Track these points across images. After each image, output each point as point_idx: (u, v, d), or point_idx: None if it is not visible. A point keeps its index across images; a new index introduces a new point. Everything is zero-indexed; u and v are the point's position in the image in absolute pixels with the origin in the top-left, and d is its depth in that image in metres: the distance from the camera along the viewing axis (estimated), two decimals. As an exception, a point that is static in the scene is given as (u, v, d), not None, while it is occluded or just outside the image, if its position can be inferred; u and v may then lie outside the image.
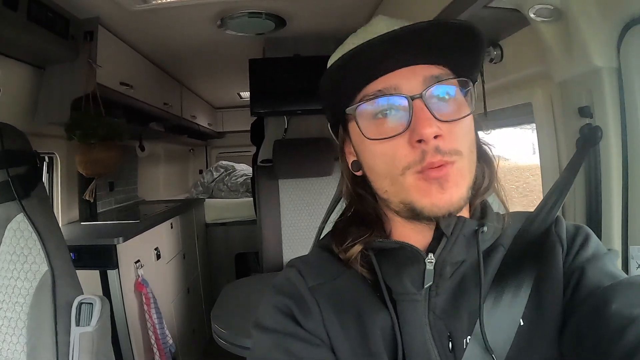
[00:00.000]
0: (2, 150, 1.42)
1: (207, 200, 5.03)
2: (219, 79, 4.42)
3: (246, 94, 4.58)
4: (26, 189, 1.45)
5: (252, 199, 3.97)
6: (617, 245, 1.29)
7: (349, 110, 0.79)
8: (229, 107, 6.23)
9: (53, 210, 1.68)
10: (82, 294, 1.50)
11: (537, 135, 1.67)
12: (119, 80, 2.84)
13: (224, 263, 4.80)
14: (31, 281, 1.40)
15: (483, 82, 1.79)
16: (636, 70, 1.23)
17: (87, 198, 2.75)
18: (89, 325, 1.41)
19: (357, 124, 0.77)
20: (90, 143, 2.39)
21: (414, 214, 0.75)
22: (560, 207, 1.38)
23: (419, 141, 0.70)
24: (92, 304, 1.43)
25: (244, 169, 5.72)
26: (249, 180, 5.12)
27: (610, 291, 0.69)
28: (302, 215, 3.02)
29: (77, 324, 1.41)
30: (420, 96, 0.71)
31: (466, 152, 0.74)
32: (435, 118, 0.70)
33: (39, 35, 2.01)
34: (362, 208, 0.88)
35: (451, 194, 0.71)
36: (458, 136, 0.73)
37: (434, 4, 1.54)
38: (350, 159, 0.87)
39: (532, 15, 1.37)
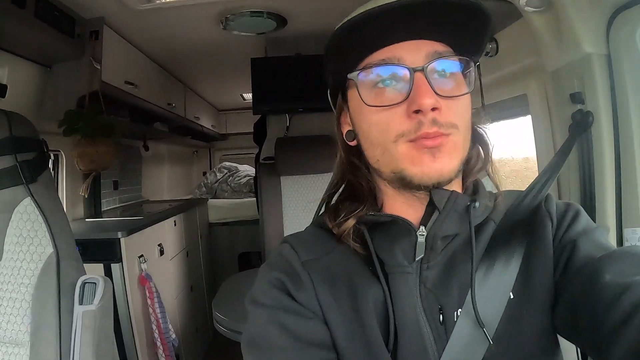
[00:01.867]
0: (11, 136, 1.45)
1: (210, 200, 5.05)
2: (222, 80, 4.44)
3: (249, 96, 4.61)
4: (33, 174, 1.48)
5: (255, 199, 3.98)
6: (612, 227, 1.31)
7: (351, 75, 0.79)
8: (232, 109, 6.23)
9: (58, 195, 1.70)
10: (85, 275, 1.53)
11: (533, 125, 1.70)
12: (124, 79, 2.86)
13: (228, 262, 4.81)
14: (36, 262, 1.42)
15: (479, 75, 1.82)
16: (625, 55, 1.26)
17: (82, 193, 2.76)
18: (91, 303, 1.43)
19: (357, 90, 0.78)
20: (79, 138, 2.41)
21: (404, 183, 0.76)
22: (556, 192, 1.42)
23: (417, 112, 0.71)
24: (95, 283, 1.45)
25: (247, 169, 5.74)
26: (252, 181, 5.14)
27: (603, 262, 0.70)
28: (304, 211, 3.02)
29: (80, 303, 1.43)
30: (422, 69, 0.72)
31: (462, 128, 0.75)
32: (435, 92, 0.71)
33: (45, 33, 2.05)
34: (355, 180, 0.89)
35: (442, 164, 0.72)
36: (456, 112, 0.74)
37: None
38: (346, 128, 0.88)
39: (524, 6, 1.40)
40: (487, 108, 1.87)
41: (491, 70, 1.85)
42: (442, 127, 0.71)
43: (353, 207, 0.85)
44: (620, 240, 1.32)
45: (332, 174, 0.95)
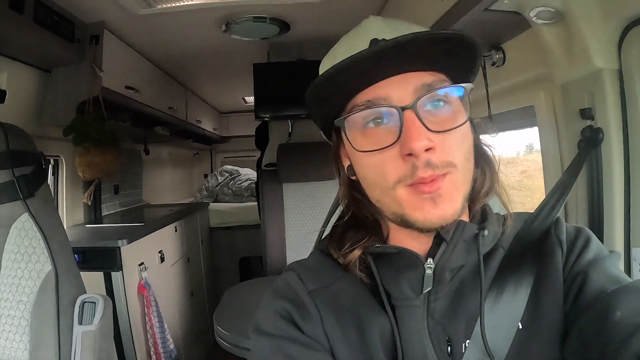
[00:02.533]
0: (8, 150, 1.43)
1: (211, 204, 5.04)
2: (223, 84, 4.45)
3: (251, 99, 4.61)
4: (31, 189, 1.46)
5: (256, 203, 3.96)
6: (620, 247, 1.28)
7: (337, 122, 0.76)
8: (233, 111, 6.25)
9: (57, 211, 1.69)
10: (85, 293, 1.51)
11: (540, 138, 1.67)
12: (125, 84, 2.86)
13: (228, 267, 4.81)
14: (35, 280, 1.41)
15: (487, 85, 1.79)
16: (637, 71, 1.23)
17: (84, 201, 2.76)
18: (91, 324, 1.42)
19: (346, 134, 0.76)
20: (86, 146, 2.40)
21: (407, 225, 0.74)
22: (562, 208, 1.40)
23: (410, 154, 0.68)
24: (95, 302, 1.44)
25: (249, 173, 5.75)
26: (254, 185, 5.14)
27: (614, 297, 0.68)
28: (306, 218, 3.02)
29: (80, 323, 1.42)
30: (411, 106, 0.69)
31: (461, 163, 0.72)
32: (428, 129, 0.68)
33: (44, 38, 2.03)
34: (359, 212, 0.86)
35: (444, 209, 0.70)
36: (452, 146, 0.71)
37: (436, 8, 1.55)
38: (346, 162, 0.85)
39: (533, 18, 1.37)
40: (494, 118, 1.84)
41: (498, 80, 1.82)
42: (437, 169, 0.69)
43: (358, 237, 0.83)
44: (628, 260, 1.29)
45: (332, 181, 0.93)
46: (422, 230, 0.72)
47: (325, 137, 0.90)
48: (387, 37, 0.71)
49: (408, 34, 0.64)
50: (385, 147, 0.70)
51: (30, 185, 1.46)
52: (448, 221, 0.71)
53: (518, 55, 1.74)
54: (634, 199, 1.27)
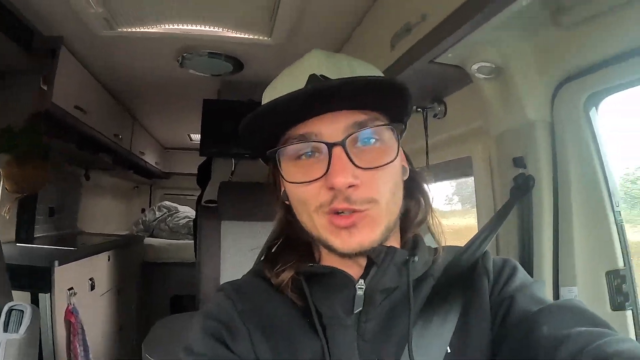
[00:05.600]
0: None
1: (147, 238, 4.94)
2: (171, 117, 4.43)
3: (196, 136, 4.60)
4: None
5: (192, 242, 3.91)
6: (549, 286, 1.36)
7: (269, 153, 0.79)
8: (178, 147, 6.19)
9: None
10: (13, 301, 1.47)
11: (475, 186, 1.75)
12: (74, 103, 2.82)
13: (160, 304, 4.67)
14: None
15: (427, 136, 1.88)
16: (567, 123, 1.34)
17: (3, 214, 2.66)
18: (17, 332, 1.38)
19: (279, 166, 0.79)
20: (10, 158, 2.35)
21: (330, 250, 0.77)
22: (495, 251, 1.47)
23: (332, 188, 0.71)
24: (22, 311, 1.40)
25: (187, 211, 5.66)
26: (192, 223, 5.03)
27: (540, 315, 0.72)
28: (244, 258, 2.95)
29: (5, 330, 1.38)
30: (340, 143, 0.72)
31: (385, 198, 0.75)
32: (356, 165, 0.72)
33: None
34: (293, 234, 0.88)
35: (361, 238, 0.73)
36: (378, 183, 0.74)
37: (386, 56, 1.61)
38: (282, 187, 0.86)
39: (474, 72, 1.47)
40: (432, 168, 1.93)
41: (438, 132, 1.91)
42: (355, 204, 0.72)
43: (291, 257, 0.85)
44: (557, 299, 1.35)
45: (273, 222, 0.94)
46: (342, 255, 0.75)
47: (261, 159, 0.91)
48: (326, 73, 0.76)
49: (339, 80, 0.69)
50: (312, 181, 0.74)
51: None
52: (366, 248, 0.74)
53: (458, 108, 1.84)
54: (562, 242, 1.35)
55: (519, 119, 1.43)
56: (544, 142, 1.38)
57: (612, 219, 1.27)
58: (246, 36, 2.34)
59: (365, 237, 0.73)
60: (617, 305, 1.25)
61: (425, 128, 1.90)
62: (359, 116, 0.75)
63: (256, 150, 0.84)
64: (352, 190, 0.71)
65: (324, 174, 0.72)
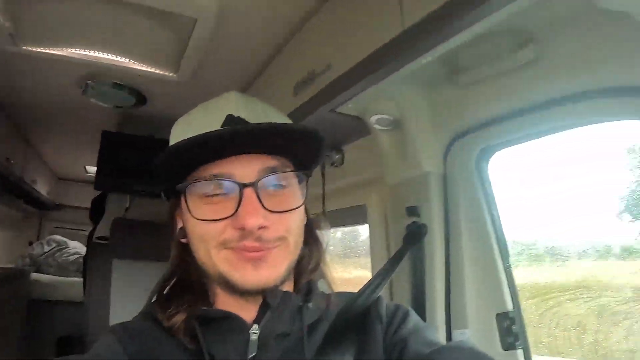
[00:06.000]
0: None
1: (33, 274, 4.64)
2: (68, 146, 4.20)
3: (93, 169, 4.42)
4: None
5: (82, 279, 3.71)
6: (442, 329, 1.41)
7: (179, 187, 0.79)
8: (73, 179, 5.85)
9: None
10: None
11: (369, 234, 1.81)
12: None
13: (46, 345, 4.35)
14: None
15: (323, 183, 1.93)
16: (460, 175, 1.43)
17: None
18: None
19: (186, 201, 0.79)
20: None
21: (229, 287, 0.77)
22: (388, 297, 1.51)
23: (242, 228, 0.73)
24: None
25: (78, 247, 5.35)
26: (82, 260, 4.79)
27: (432, 357, 0.75)
28: (135, 299, 2.68)
29: None
30: (252, 185, 0.74)
31: (292, 237, 0.78)
32: (265, 208, 0.74)
33: None
34: (187, 275, 0.87)
35: (267, 274, 0.75)
36: (286, 224, 0.77)
37: (289, 102, 1.62)
38: (179, 224, 0.87)
39: (373, 124, 1.55)
40: (328, 214, 1.96)
41: (335, 180, 1.96)
42: (266, 243, 0.74)
43: (184, 299, 0.82)
44: (449, 341, 1.41)
45: (167, 264, 0.92)
46: (242, 292, 0.76)
47: (164, 195, 0.91)
48: (243, 115, 0.78)
49: (267, 124, 0.73)
50: (220, 219, 0.75)
51: None
52: (268, 285, 0.75)
53: (356, 158, 1.91)
54: (453, 287, 1.42)
55: (414, 170, 1.50)
56: (437, 193, 1.46)
57: (500, 265, 1.36)
58: (152, 70, 2.28)
59: (272, 272, 0.75)
60: (508, 346, 1.32)
61: (323, 175, 1.95)
62: (271, 161, 0.78)
63: (164, 183, 0.85)
64: (262, 230, 0.73)
65: (233, 214, 0.73)
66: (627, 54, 0.98)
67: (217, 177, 0.76)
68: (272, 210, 0.75)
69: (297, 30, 1.64)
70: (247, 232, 0.73)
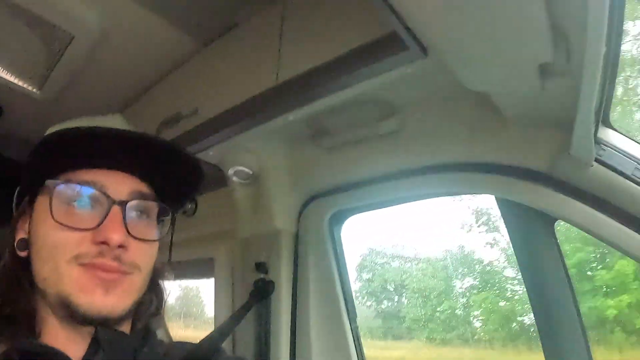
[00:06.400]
0: None
1: None
2: None
3: None
4: None
5: None
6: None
7: (49, 182, 0.73)
8: None
9: None
10: None
11: (215, 288, 1.76)
12: None
13: None
14: None
15: (172, 232, 1.86)
16: (312, 236, 1.46)
17: None
18: None
19: (50, 201, 0.71)
20: None
21: (69, 312, 0.69)
22: (230, 347, 1.48)
23: (103, 243, 0.69)
24: None
25: None
26: None
27: None
28: None
29: None
30: (122, 204, 0.72)
31: (145, 270, 0.75)
32: (127, 231, 0.71)
33: None
34: (14, 297, 0.74)
35: (116, 301, 0.70)
36: (142, 254, 0.75)
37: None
38: (20, 235, 0.78)
39: (231, 175, 1.53)
40: (174, 265, 1.89)
41: (185, 229, 1.90)
42: (124, 265, 0.71)
43: (5, 329, 0.71)
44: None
45: None
46: (82, 320, 0.68)
47: (14, 201, 0.82)
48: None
49: (144, 133, 0.73)
50: (82, 229, 0.70)
51: None
52: (113, 314, 0.70)
53: (209, 209, 1.87)
54: (299, 344, 1.42)
55: (266, 226, 1.51)
56: (287, 251, 1.48)
57: (347, 325, 1.39)
58: (15, 81, 2.10)
59: (121, 300, 0.70)
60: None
61: (172, 223, 1.88)
62: (144, 187, 0.77)
63: (34, 178, 0.77)
64: (122, 250, 0.70)
65: (95, 227, 0.70)
66: (481, 132, 1.08)
67: (90, 184, 0.72)
68: (134, 235, 0.72)
69: (173, 69, 1.61)
70: (107, 248, 0.69)
